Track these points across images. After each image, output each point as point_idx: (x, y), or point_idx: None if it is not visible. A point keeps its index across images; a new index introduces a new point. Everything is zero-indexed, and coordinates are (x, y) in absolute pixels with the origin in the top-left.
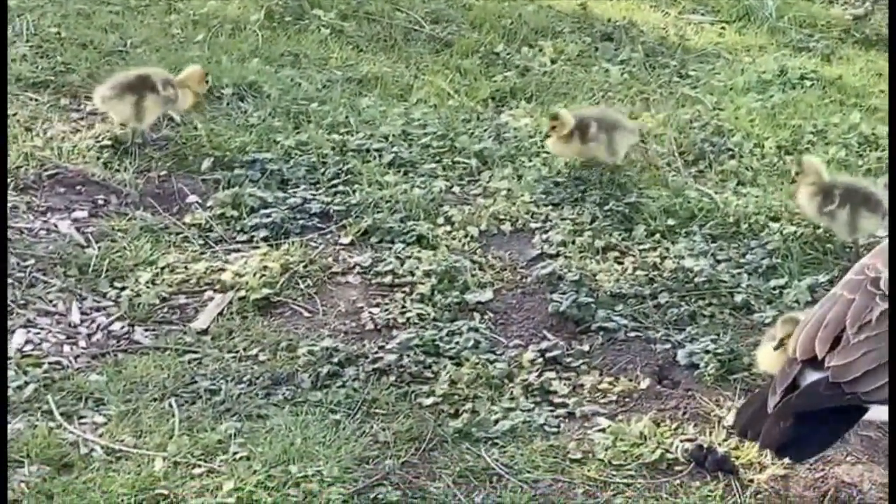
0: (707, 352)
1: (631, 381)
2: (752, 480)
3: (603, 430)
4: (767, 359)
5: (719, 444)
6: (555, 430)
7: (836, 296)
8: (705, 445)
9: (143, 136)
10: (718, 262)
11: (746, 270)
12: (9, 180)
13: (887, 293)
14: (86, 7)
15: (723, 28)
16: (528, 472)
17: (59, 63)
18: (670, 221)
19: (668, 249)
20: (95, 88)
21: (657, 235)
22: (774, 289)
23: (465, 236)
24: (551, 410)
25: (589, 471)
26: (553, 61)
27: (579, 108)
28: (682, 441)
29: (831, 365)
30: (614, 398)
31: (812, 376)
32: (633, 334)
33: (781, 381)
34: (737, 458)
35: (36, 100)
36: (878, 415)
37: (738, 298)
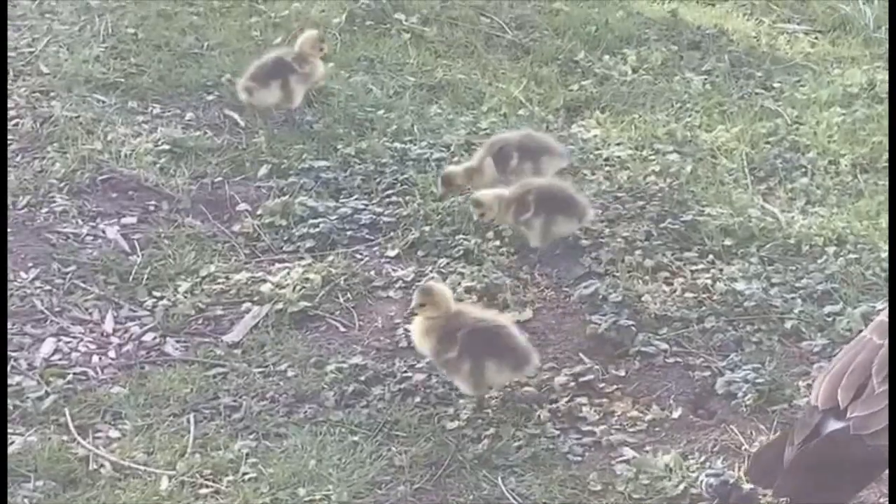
0: (747, 381)
1: (664, 409)
2: None
3: (627, 462)
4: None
5: (746, 481)
6: (578, 458)
7: (864, 339)
8: (731, 481)
9: (293, 117)
10: (772, 285)
11: (801, 295)
12: (63, 184)
13: None
14: (168, 8)
15: (816, 38)
16: (544, 502)
17: (131, 65)
18: (727, 241)
19: (721, 271)
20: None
21: (711, 256)
22: (828, 315)
23: (514, 252)
24: (577, 438)
25: None
26: (634, 70)
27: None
28: (707, 476)
29: (853, 416)
30: (644, 427)
31: (833, 426)
32: (672, 360)
33: (801, 430)
34: (763, 495)
35: (102, 101)
36: None
37: (788, 325)
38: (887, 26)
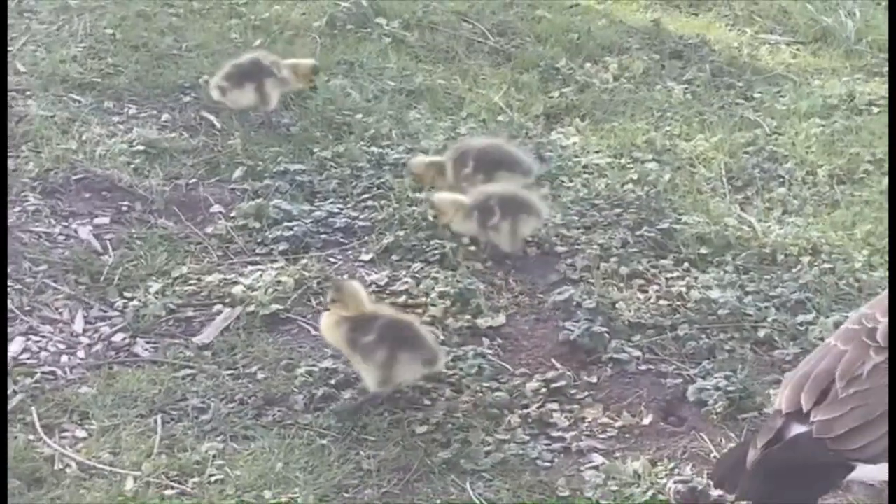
0: (718, 389)
1: (634, 416)
2: None
3: (596, 468)
4: (324, 324)
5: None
6: (547, 464)
7: (828, 346)
8: (699, 488)
9: (269, 119)
10: (746, 293)
11: (774, 304)
12: (37, 184)
13: (883, 344)
14: (147, 9)
15: (797, 49)
16: None
17: (108, 65)
18: (703, 250)
19: (696, 279)
20: (209, 81)
21: (686, 264)
22: (801, 324)
23: (488, 258)
24: (547, 444)
25: None
26: (615, 78)
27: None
28: (675, 482)
29: (815, 420)
30: (614, 433)
31: (796, 430)
32: (644, 367)
33: (764, 433)
34: (731, 502)
35: (79, 101)
36: (866, 473)
37: (762, 333)
38: (868, 38)
